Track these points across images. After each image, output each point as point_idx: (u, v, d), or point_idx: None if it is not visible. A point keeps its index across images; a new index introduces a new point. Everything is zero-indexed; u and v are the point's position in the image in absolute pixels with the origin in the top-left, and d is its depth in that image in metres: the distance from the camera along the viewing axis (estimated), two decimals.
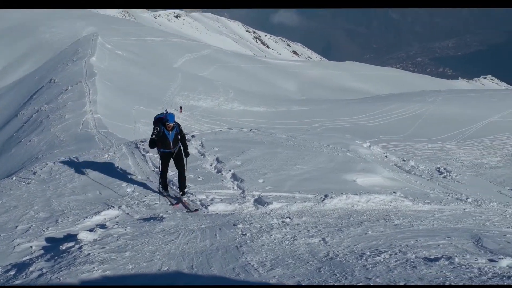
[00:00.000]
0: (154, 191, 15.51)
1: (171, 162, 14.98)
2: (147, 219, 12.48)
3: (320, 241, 10.31)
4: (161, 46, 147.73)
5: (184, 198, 14.53)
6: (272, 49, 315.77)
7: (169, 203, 14.46)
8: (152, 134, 14.21)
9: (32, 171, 20.04)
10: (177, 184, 15.21)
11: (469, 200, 17.71)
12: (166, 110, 14.66)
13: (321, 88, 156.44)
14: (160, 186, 14.89)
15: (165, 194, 14.92)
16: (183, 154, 14.79)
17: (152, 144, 14.30)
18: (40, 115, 60.45)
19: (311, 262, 8.84)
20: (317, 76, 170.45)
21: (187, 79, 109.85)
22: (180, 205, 14.19)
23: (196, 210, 13.59)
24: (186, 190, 15.03)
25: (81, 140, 41.05)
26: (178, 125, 14.45)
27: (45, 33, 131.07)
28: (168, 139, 14.21)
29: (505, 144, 79.73)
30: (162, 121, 14.22)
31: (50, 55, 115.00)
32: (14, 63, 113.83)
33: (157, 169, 18.62)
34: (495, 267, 8.08)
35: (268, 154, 20.24)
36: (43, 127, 52.72)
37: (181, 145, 14.79)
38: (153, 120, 14.58)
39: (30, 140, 48.01)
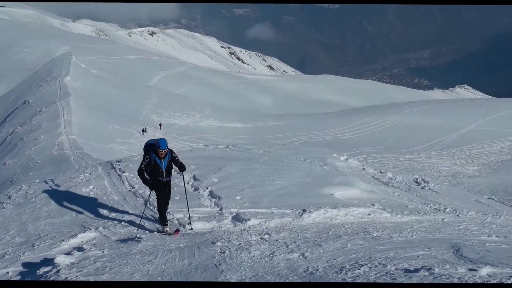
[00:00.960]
0: (131, 213, 15.34)
1: None
2: (124, 240, 12.33)
3: (299, 256, 10.24)
4: (136, 64, 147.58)
5: (167, 228, 13.36)
6: (248, 64, 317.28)
7: (167, 234, 13.14)
8: (142, 163, 12.89)
9: (7, 195, 19.76)
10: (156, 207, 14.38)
11: (448, 210, 17.80)
12: (157, 140, 13.27)
13: (297, 102, 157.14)
14: (159, 219, 13.83)
15: (164, 229, 13.36)
16: (178, 168, 13.62)
17: (141, 174, 12.99)
18: (14, 137, 59.95)
19: (291, 278, 8.79)
20: (293, 90, 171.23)
21: (163, 96, 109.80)
22: (179, 233, 13.03)
23: (177, 231, 12.96)
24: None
25: (57, 162, 40.80)
26: (171, 151, 13.22)
27: (19, 53, 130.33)
28: (160, 167, 12.99)
29: (482, 153, 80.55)
30: (153, 148, 12.88)
31: (24, 75, 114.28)
32: None
33: (133, 189, 18.49)
34: (475, 276, 8.10)
35: (245, 171, 20.19)
36: (18, 149, 52.31)
37: (177, 171, 14.25)
38: (143, 147, 13.45)
39: (5, 164, 47.59)
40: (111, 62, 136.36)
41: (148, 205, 15.45)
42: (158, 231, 13.31)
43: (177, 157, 13.35)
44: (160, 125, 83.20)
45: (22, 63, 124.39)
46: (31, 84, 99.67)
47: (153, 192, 13.83)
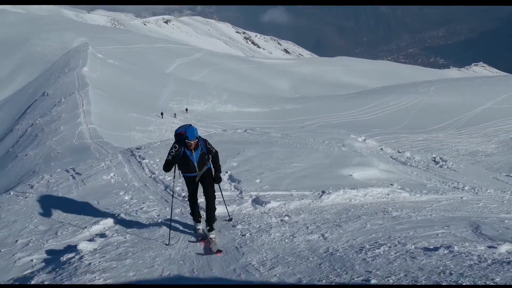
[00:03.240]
0: (152, 199, 15.56)
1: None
2: (146, 226, 12.47)
3: (319, 237, 10.33)
4: (152, 52, 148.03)
5: (212, 235, 10.88)
6: (263, 49, 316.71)
7: (197, 238, 11.18)
8: (168, 155, 10.71)
9: (29, 185, 20.06)
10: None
11: (466, 188, 17.79)
12: (188, 126, 10.86)
13: (313, 85, 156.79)
14: (190, 213, 11.96)
15: (197, 226, 11.54)
16: (213, 178, 11.22)
17: (167, 167, 10.84)
18: (35, 128, 60.54)
19: (311, 258, 8.86)
20: (309, 73, 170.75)
21: (180, 84, 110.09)
22: (205, 242, 10.82)
23: (219, 251, 9.97)
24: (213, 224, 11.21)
25: (77, 151, 41.14)
26: (205, 142, 10.94)
27: (36, 46, 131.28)
28: (190, 161, 10.71)
29: (499, 130, 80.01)
30: (181, 139, 10.67)
31: (42, 67, 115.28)
32: (5, 78, 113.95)
33: (153, 175, 18.69)
34: (494, 253, 8.14)
35: (263, 154, 20.29)
36: (39, 140, 52.82)
37: (211, 166, 11.30)
38: (174, 134, 11.14)
39: (26, 155, 48.08)
40: (127, 52, 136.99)
41: (176, 195, 15.47)
42: (195, 229, 11.64)
43: (212, 148, 11.07)
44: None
45: (39, 55, 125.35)
46: (49, 76, 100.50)
47: (176, 181, 12.40)
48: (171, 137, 30.74)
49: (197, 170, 10.80)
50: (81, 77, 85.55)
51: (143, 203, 15.11)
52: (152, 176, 18.41)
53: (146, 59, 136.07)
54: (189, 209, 11.71)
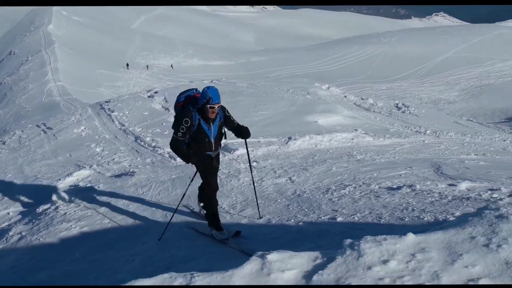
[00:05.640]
0: (123, 150, 15.72)
1: None
2: (118, 175, 12.60)
3: (286, 180, 10.56)
4: (117, 8, 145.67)
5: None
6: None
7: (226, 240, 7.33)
8: (177, 131, 7.21)
9: (1, 141, 20.00)
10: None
11: (428, 132, 18.20)
12: (207, 88, 7.26)
13: (279, 37, 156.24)
14: (208, 221, 7.70)
15: (221, 237, 7.34)
16: (238, 132, 7.81)
17: (178, 147, 7.37)
18: (3, 87, 59.85)
19: (279, 200, 9.07)
20: (273, 26, 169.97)
21: (146, 39, 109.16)
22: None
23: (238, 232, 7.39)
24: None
25: (47, 109, 40.87)
26: (222, 108, 7.56)
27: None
28: (208, 136, 7.44)
29: (461, 78, 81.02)
30: (195, 104, 7.31)
31: (7, 27, 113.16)
32: None
33: (123, 127, 18.80)
34: (454, 190, 8.39)
35: (230, 103, 20.32)
36: (8, 99, 52.37)
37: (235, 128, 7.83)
38: (175, 104, 7.71)
39: None
40: (92, 8, 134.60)
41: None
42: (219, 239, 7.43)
43: (232, 116, 7.76)
44: (147, 66, 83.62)
45: (3, 15, 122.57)
46: (15, 35, 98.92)
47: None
48: (139, 91, 30.63)
49: (213, 148, 7.57)
50: (47, 35, 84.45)
51: (115, 154, 15.27)
52: (122, 128, 18.56)
53: (111, 15, 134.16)
54: (206, 207, 7.75)
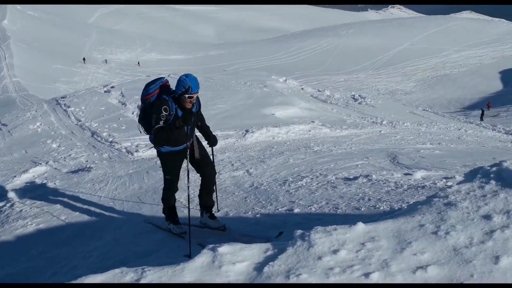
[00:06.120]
0: (79, 146, 15.50)
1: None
2: (75, 171, 12.46)
3: (244, 173, 10.58)
4: (73, 2, 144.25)
5: (219, 224, 7.16)
6: None
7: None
8: (159, 120, 6.45)
9: None
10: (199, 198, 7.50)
11: (384, 122, 18.42)
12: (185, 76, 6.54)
13: (237, 31, 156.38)
14: (166, 216, 7.41)
15: (179, 231, 7.12)
16: (210, 141, 7.49)
17: (162, 138, 6.62)
18: None
19: (237, 193, 9.09)
20: (233, 19, 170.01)
21: (103, 33, 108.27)
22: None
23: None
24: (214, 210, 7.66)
25: (2, 105, 40.26)
26: (197, 99, 6.90)
27: None
28: (184, 128, 6.75)
29: (417, 69, 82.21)
30: (169, 94, 6.64)
31: None
32: None
33: (80, 122, 18.61)
34: (410, 180, 8.52)
35: None
36: None
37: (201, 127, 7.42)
38: (143, 96, 6.78)
39: None
40: (47, 3, 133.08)
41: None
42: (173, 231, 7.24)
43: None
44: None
45: None
46: None
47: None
48: (96, 86, 30.33)
49: (187, 139, 6.84)
50: (1, 30, 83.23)
51: (71, 150, 15.11)
52: (79, 123, 18.39)
53: (67, 9, 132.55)
54: (166, 211, 7.40)
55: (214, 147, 7.66)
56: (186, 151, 6.84)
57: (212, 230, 7.09)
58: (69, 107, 20.85)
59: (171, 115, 6.52)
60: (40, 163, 13.72)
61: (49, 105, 22.32)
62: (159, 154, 6.99)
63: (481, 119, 41.09)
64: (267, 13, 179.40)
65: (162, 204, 7.43)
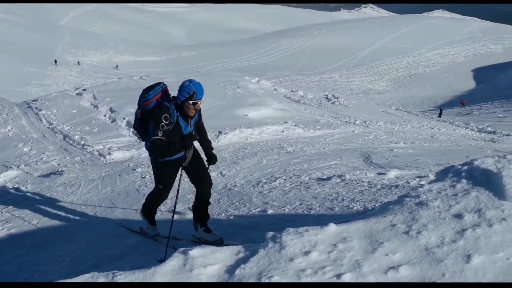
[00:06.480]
0: (51, 150, 15.35)
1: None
2: (47, 175, 12.32)
3: (217, 174, 10.56)
4: (45, 4, 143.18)
5: (216, 237, 6.66)
6: None
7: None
8: (157, 130, 6.01)
9: None
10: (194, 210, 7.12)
11: (358, 122, 18.52)
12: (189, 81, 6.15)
13: (210, 32, 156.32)
14: (143, 216, 7.15)
15: (153, 233, 7.08)
16: (209, 154, 6.90)
17: (159, 151, 6.18)
18: None
19: None
20: (205, 20, 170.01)
21: (75, 35, 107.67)
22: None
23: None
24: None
25: None
26: None
27: None
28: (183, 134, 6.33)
29: (390, 69, 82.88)
30: (170, 100, 6.28)
31: None
32: None
33: (51, 125, 18.45)
34: (383, 179, 8.59)
35: None
36: None
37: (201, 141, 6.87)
38: (141, 102, 6.41)
39: None
40: (18, 5, 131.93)
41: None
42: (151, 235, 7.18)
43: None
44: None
45: None
46: None
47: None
48: (68, 89, 30.10)
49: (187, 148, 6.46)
50: None
51: (43, 153, 14.95)
52: (50, 126, 18.25)
53: (39, 11, 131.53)
54: (144, 212, 7.14)
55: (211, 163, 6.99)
56: (185, 160, 6.48)
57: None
58: (40, 110, 20.63)
59: (172, 124, 6.14)
60: (11, 167, 13.54)
61: (20, 108, 22.09)
62: (154, 162, 6.57)
63: (439, 116, 41.57)
64: (240, 14, 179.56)
65: (134, 208, 7.38)
